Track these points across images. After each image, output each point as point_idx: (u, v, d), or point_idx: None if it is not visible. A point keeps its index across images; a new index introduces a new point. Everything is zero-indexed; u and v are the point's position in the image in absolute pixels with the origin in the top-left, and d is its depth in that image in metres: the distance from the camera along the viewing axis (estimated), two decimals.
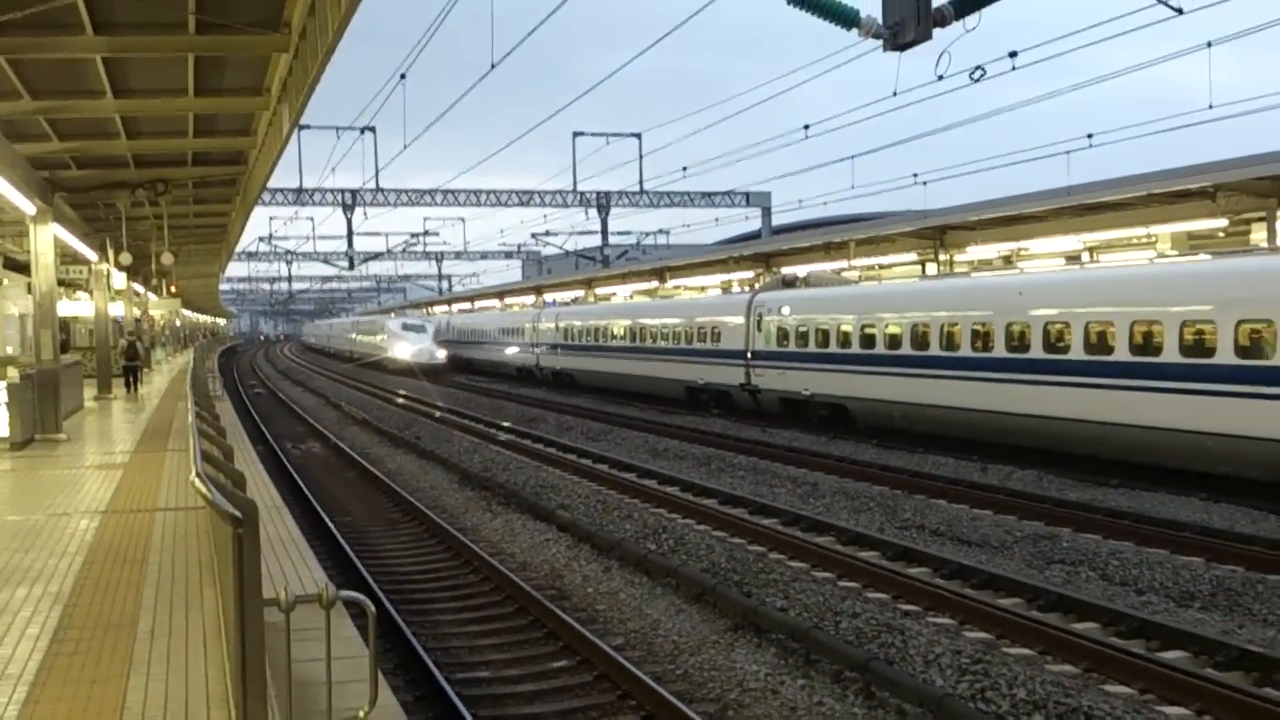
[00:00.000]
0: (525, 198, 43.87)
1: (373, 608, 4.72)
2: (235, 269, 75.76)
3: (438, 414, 34.10)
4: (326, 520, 16.26)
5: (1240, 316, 15.96)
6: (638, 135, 42.74)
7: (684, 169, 37.11)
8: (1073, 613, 10.72)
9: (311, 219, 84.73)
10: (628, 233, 53.11)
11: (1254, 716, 7.95)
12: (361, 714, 4.79)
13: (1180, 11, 13.09)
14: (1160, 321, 17.20)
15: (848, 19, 10.03)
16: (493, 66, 16.40)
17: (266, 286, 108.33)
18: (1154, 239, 23.89)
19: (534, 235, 53.44)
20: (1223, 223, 21.59)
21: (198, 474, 5.54)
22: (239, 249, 50.91)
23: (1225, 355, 16.09)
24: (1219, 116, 21.36)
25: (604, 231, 45.34)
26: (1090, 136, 27.05)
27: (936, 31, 9.94)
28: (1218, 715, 8.15)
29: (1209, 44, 20.11)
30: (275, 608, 4.43)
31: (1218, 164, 20.17)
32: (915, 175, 34.31)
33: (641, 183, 43.49)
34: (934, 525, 14.90)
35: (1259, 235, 21.60)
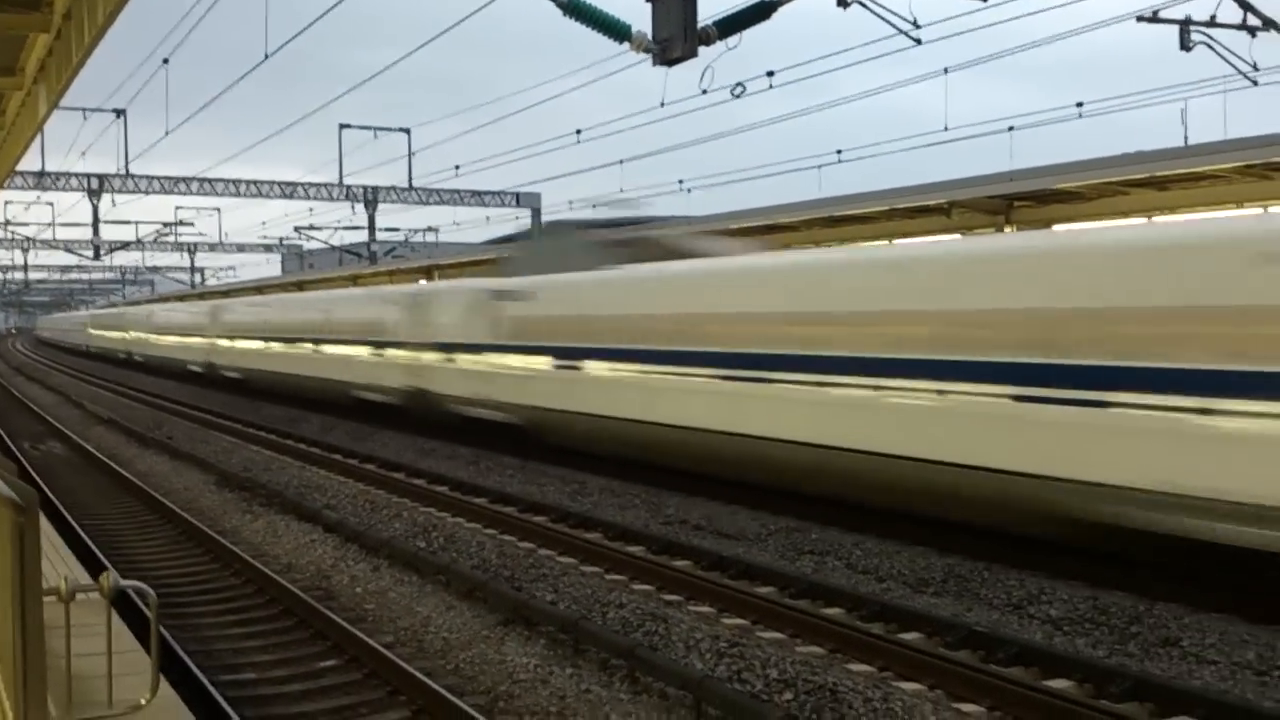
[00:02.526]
0: (288, 190, 42.70)
1: (154, 596, 4.75)
2: None
3: (191, 413, 32.89)
4: (71, 522, 15.58)
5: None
6: (407, 130, 42.29)
7: (456, 168, 36.98)
8: (821, 599, 11.45)
9: (52, 204, 79.48)
10: (396, 229, 52.32)
11: (980, 690, 8.75)
12: (143, 701, 4.80)
13: (919, 42, 14.16)
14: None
15: (620, 33, 10.47)
16: (266, 57, 16.11)
17: None
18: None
19: (297, 229, 51.98)
20: (955, 237, 23.22)
21: None
22: None
23: None
24: (954, 138, 23.03)
25: (371, 227, 44.62)
26: (839, 153, 28.62)
27: (701, 49, 10.52)
28: (948, 689, 8.93)
29: (945, 70, 21.65)
30: (53, 598, 4.41)
31: (953, 182, 21.70)
32: (681, 182, 35.35)
33: (411, 179, 43.04)
34: (695, 520, 15.52)
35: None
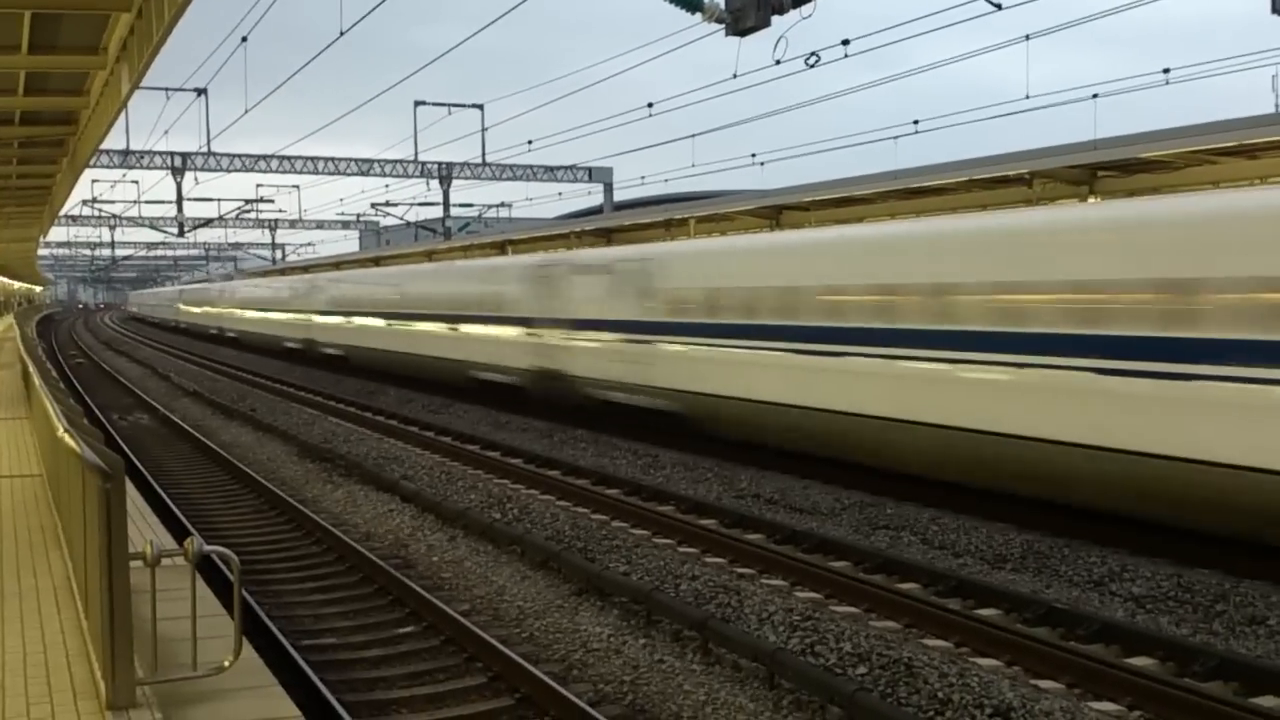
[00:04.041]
0: (365, 166, 43.14)
1: (237, 560, 4.85)
2: (54, 233, 71.93)
3: (274, 385, 33.49)
4: (158, 489, 15.96)
5: None
6: (480, 107, 42.45)
7: (529, 143, 37.03)
8: (896, 574, 11.37)
9: (137, 182, 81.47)
10: (470, 205, 52.58)
11: (1059, 667, 8.64)
12: (226, 664, 4.91)
13: (999, 7, 13.85)
14: None
15: (692, 4, 10.39)
16: (342, 33, 16.27)
17: (87, 252, 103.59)
18: None
19: (374, 205, 52.53)
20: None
21: (65, 430, 5.53)
22: (61, 213, 48.70)
23: None
24: (1034, 107, 22.56)
25: (445, 203, 44.94)
26: (916, 123, 28.20)
27: (775, 18, 10.40)
28: (1026, 665, 8.83)
29: (1027, 37, 21.20)
30: (139, 563, 4.51)
31: (1034, 152, 21.27)
32: (754, 155, 35.08)
33: (484, 155, 43.27)
34: (768, 494, 15.48)
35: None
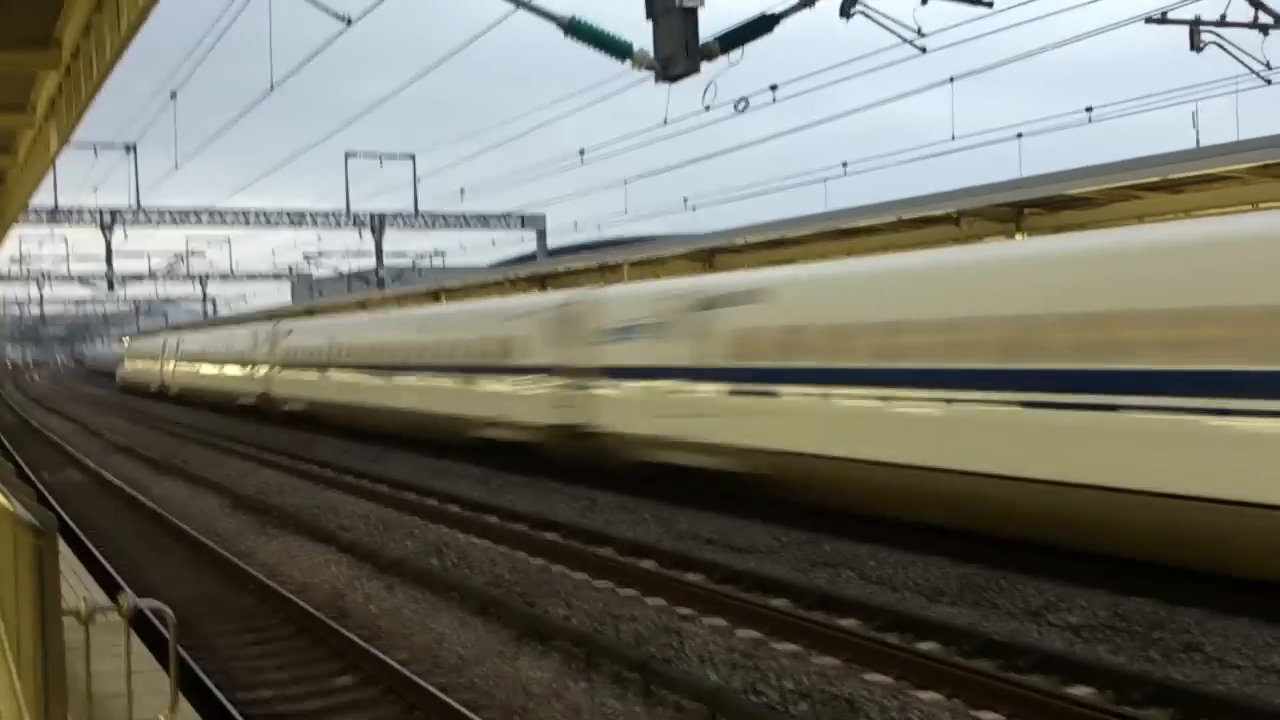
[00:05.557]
0: (297, 218, 42.93)
1: (172, 615, 4.79)
2: None
3: (207, 439, 33.04)
4: (90, 546, 15.65)
5: None
6: (412, 157, 42.48)
7: (461, 191, 37.08)
8: (835, 610, 11.43)
9: (66, 239, 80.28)
10: (403, 254, 52.46)
11: (999, 698, 8.71)
12: (162, 719, 4.83)
13: (924, 50, 14.16)
14: None
15: (621, 52, 10.51)
16: (272, 88, 16.26)
17: (16, 311, 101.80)
18: None
19: (306, 256, 52.25)
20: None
21: None
22: None
23: None
24: (960, 147, 22.99)
25: (379, 252, 44.77)
26: (845, 165, 28.66)
27: (704, 65, 10.55)
28: (966, 698, 8.88)
29: (951, 79, 21.67)
30: (73, 619, 4.45)
31: (962, 191, 21.68)
32: (685, 199, 35.43)
33: (416, 204, 43.21)
34: (708, 534, 15.52)
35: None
